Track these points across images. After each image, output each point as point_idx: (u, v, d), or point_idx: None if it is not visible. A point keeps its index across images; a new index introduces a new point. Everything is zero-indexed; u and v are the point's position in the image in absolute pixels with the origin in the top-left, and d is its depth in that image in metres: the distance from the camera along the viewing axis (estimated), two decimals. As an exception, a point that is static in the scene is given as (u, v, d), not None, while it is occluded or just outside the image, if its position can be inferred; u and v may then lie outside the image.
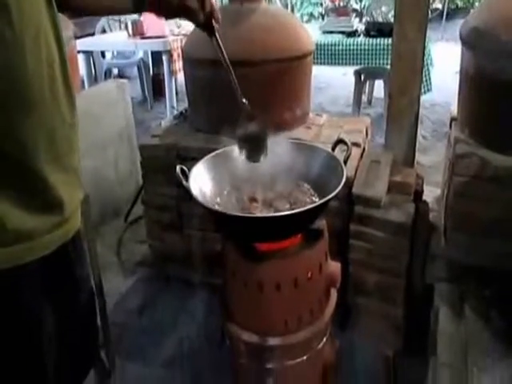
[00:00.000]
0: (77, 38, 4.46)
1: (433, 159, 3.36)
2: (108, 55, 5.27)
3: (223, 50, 1.18)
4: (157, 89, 5.07)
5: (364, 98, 4.60)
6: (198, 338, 1.86)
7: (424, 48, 1.89)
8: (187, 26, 4.30)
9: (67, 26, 2.62)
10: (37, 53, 0.77)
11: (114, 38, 4.71)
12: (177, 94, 4.71)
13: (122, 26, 5.05)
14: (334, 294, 1.45)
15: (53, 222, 0.84)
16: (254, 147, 1.27)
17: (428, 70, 3.45)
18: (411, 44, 1.88)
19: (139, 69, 5.11)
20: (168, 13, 1.16)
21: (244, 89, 1.95)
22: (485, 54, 1.58)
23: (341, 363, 1.62)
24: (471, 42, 1.65)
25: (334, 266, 1.41)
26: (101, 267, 1.71)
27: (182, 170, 1.27)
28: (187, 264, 2.12)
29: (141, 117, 4.60)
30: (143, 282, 2.28)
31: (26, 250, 0.81)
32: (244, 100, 1.26)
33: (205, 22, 1.18)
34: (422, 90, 3.24)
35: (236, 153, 1.39)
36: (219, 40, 1.17)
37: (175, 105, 4.42)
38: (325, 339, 1.43)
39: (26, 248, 0.80)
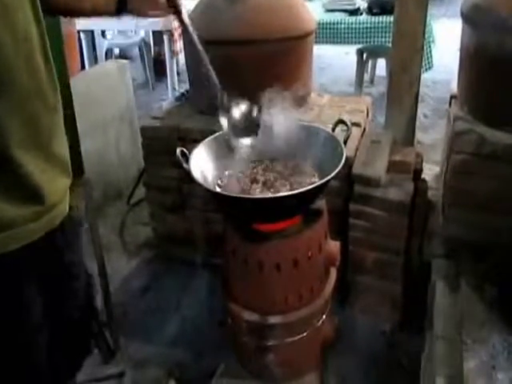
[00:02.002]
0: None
1: (433, 137, 3.35)
2: (109, 35, 5.21)
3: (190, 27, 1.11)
4: (159, 69, 5.04)
5: (366, 76, 4.56)
6: (200, 318, 1.90)
7: (425, 26, 1.88)
8: (188, 5, 4.25)
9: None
10: (9, 22, 0.72)
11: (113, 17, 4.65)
12: (178, 74, 4.67)
13: (123, 4, 4.98)
14: (333, 272, 1.48)
15: (34, 210, 0.83)
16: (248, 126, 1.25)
17: (430, 47, 3.42)
18: (412, 22, 1.86)
19: (140, 49, 5.07)
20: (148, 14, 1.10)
21: (244, 69, 1.97)
22: (485, 31, 1.57)
23: (340, 339, 1.66)
24: (472, 18, 1.63)
25: (334, 246, 1.43)
26: (104, 249, 1.74)
27: (182, 152, 1.28)
28: (189, 245, 2.15)
29: (143, 98, 4.57)
30: (146, 263, 2.31)
31: (9, 239, 0.80)
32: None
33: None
34: (424, 68, 3.23)
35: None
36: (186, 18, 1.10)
37: (177, 86, 4.40)
38: (324, 316, 1.46)
39: (8, 236, 0.79)
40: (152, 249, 2.36)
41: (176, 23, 4.13)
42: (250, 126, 1.24)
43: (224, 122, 1.23)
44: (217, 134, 1.40)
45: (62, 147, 0.90)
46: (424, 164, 2.00)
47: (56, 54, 1.38)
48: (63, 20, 1.26)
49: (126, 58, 5.43)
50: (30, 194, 0.81)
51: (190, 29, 1.10)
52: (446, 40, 4.72)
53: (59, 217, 0.91)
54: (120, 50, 5.74)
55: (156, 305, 2.03)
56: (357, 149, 1.87)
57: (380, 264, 1.78)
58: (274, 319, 1.35)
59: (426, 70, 3.35)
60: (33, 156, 0.80)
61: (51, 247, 0.92)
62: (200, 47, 1.11)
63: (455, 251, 1.63)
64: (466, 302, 1.37)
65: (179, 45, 4.19)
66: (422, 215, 1.83)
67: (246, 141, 1.26)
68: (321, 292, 1.41)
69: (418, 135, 3.29)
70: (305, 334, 1.41)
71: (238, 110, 1.24)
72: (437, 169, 2.46)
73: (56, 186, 0.88)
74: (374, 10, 3.50)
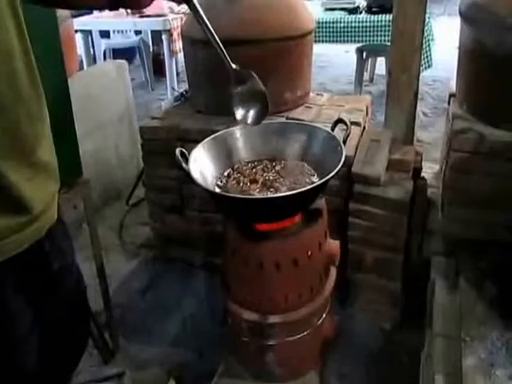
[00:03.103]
0: (75, 16, 4.44)
1: (433, 135, 3.36)
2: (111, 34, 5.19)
3: (203, 14, 1.01)
4: (158, 69, 5.04)
5: (366, 75, 4.57)
6: (200, 318, 1.90)
7: (424, 24, 1.88)
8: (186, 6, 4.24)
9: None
10: None
11: (111, 17, 4.66)
12: (178, 74, 4.68)
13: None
14: (333, 271, 1.48)
15: (20, 221, 0.79)
16: (254, 106, 1.17)
17: (429, 45, 3.41)
18: (411, 20, 1.86)
19: (139, 49, 5.07)
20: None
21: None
22: (483, 29, 1.57)
23: (340, 337, 1.66)
24: (470, 16, 1.64)
25: (334, 245, 1.44)
26: (103, 249, 1.74)
27: (181, 152, 1.28)
28: (189, 245, 2.15)
29: (142, 98, 4.58)
30: (146, 263, 2.31)
31: None
32: (234, 65, 1.15)
33: None
34: (423, 67, 3.23)
35: (237, 134, 1.41)
36: (196, 3, 1.00)
37: (176, 86, 4.40)
38: (324, 315, 1.46)
39: None
40: (151, 249, 2.36)
41: (175, 23, 4.14)
42: (255, 97, 1.17)
43: (235, 92, 1.18)
44: (216, 134, 1.41)
45: (49, 154, 0.86)
46: (424, 162, 2.01)
47: (53, 55, 1.40)
48: (61, 20, 1.26)
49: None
50: (15, 205, 0.78)
51: (202, 13, 1.01)
52: (445, 38, 4.72)
53: (45, 226, 0.87)
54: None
55: (156, 305, 2.03)
56: (356, 148, 1.87)
57: (380, 262, 1.78)
58: (273, 319, 1.35)
59: (426, 68, 3.35)
60: (16, 166, 0.77)
61: (38, 257, 0.89)
62: (211, 29, 1.05)
63: (454, 249, 1.64)
64: (465, 299, 1.37)
65: (178, 44, 4.19)
66: (421, 213, 1.84)
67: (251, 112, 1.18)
68: (321, 291, 1.41)
69: (418, 133, 3.29)
70: (305, 334, 1.41)
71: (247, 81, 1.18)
72: (436, 167, 2.46)
73: (43, 193, 0.84)
74: (374, 9, 3.50)
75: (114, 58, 4.88)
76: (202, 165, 1.33)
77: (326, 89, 4.48)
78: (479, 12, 1.58)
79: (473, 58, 1.65)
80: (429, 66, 3.41)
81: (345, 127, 1.39)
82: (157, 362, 1.74)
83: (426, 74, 3.58)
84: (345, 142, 1.34)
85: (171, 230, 2.23)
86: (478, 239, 1.59)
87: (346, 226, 1.78)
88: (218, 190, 1.31)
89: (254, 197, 1.25)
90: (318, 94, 2.34)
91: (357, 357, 1.69)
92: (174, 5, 4.36)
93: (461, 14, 1.69)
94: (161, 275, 2.20)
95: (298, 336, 1.40)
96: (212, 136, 1.40)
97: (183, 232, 2.17)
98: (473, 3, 1.62)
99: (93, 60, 4.66)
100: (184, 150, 1.29)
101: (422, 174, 1.99)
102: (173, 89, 4.27)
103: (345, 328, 1.74)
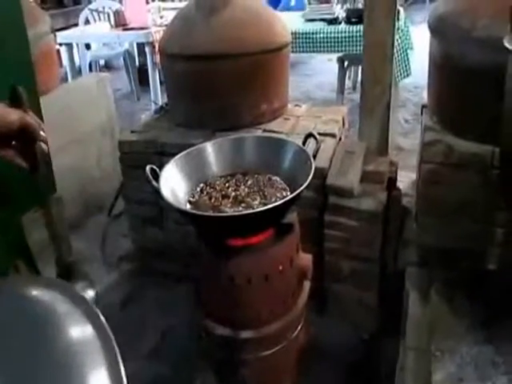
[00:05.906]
0: (60, 29, 4.44)
1: (414, 142, 3.38)
2: (93, 46, 5.21)
3: None
4: (144, 79, 5.04)
5: (349, 83, 4.61)
6: (178, 332, 1.90)
7: (394, 36, 1.90)
8: (170, 16, 4.25)
9: (44, 20, 2.60)
10: None
11: (96, 30, 4.68)
12: (162, 84, 4.68)
13: (106, 16, 5.01)
14: (306, 285, 1.49)
15: None
16: None
17: (407, 54, 3.46)
18: (381, 32, 1.88)
19: (125, 60, 5.09)
20: None
21: (220, 83, 2.00)
22: (449, 42, 1.61)
23: (317, 348, 1.67)
24: (437, 29, 1.68)
25: (306, 259, 1.45)
26: (85, 261, 1.73)
27: (152, 169, 1.29)
28: (169, 258, 2.15)
29: (128, 109, 4.59)
30: (126, 275, 2.30)
31: None
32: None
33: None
34: (401, 76, 3.27)
35: (210, 149, 1.44)
36: None
37: (159, 97, 4.40)
38: (299, 328, 1.47)
39: None
40: (132, 261, 2.35)
41: (158, 35, 4.14)
42: None
43: None
44: (189, 149, 1.42)
45: None
46: (403, 170, 2.03)
47: (25, 76, 1.41)
48: (39, 36, 1.25)
49: (111, 68, 5.47)
50: None
51: None
52: (426, 45, 4.76)
53: None
54: (105, 61, 5.77)
55: (135, 317, 2.03)
56: (331, 159, 1.89)
57: (356, 273, 1.79)
58: (246, 334, 1.35)
59: (405, 77, 3.39)
60: None
61: None
62: None
63: (428, 259, 1.66)
64: (436, 311, 1.38)
65: (161, 56, 4.20)
66: (396, 224, 1.86)
67: None
68: (294, 305, 1.42)
69: (399, 140, 3.32)
70: (279, 347, 1.41)
71: None
72: (414, 175, 2.49)
73: None
74: (352, 19, 3.53)
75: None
76: (174, 181, 1.34)
77: (310, 96, 4.52)
78: (445, 25, 1.61)
79: (441, 70, 1.68)
80: (407, 75, 3.45)
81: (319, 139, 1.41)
82: (132, 376, 1.73)
83: (407, 81, 3.61)
84: (315, 156, 1.35)
85: (151, 243, 2.23)
86: (450, 249, 1.61)
87: (321, 237, 1.80)
88: (189, 206, 1.32)
89: (223, 214, 1.26)
90: (296, 105, 2.37)
91: (334, 367, 1.70)
92: (157, 17, 4.38)
93: (429, 27, 1.72)
94: (141, 287, 2.19)
95: (272, 350, 1.40)
96: (185, 151, 1.41)
97: (163, 244, 2.18)
98: (439, 16, 1.65)
99: (78, 72, 4.66)
100: (154, 167, 1.31)
101: (400, 183, 2.02)
102: (154, 103, 4.27)
103: (322, 339, 1.74)
